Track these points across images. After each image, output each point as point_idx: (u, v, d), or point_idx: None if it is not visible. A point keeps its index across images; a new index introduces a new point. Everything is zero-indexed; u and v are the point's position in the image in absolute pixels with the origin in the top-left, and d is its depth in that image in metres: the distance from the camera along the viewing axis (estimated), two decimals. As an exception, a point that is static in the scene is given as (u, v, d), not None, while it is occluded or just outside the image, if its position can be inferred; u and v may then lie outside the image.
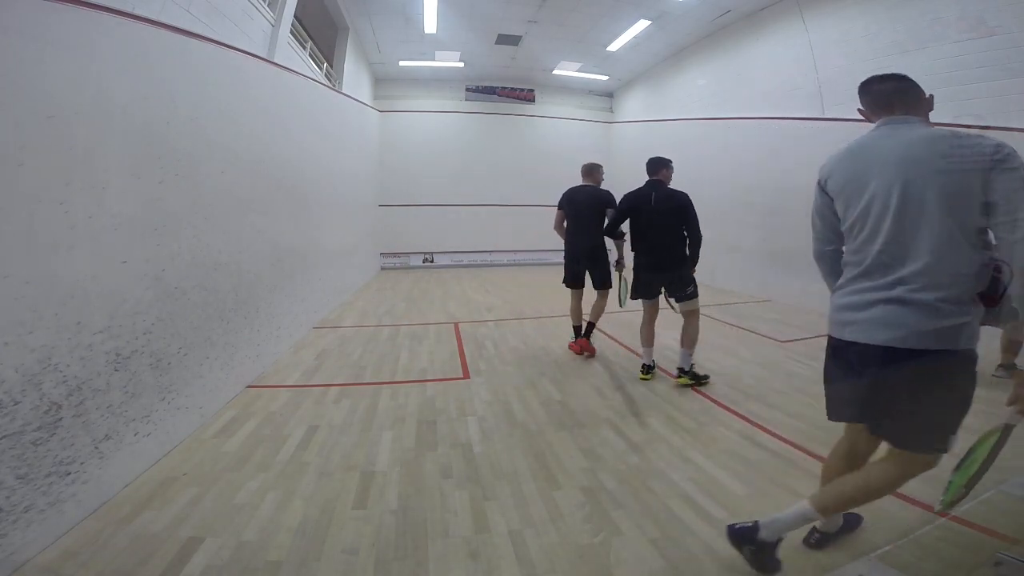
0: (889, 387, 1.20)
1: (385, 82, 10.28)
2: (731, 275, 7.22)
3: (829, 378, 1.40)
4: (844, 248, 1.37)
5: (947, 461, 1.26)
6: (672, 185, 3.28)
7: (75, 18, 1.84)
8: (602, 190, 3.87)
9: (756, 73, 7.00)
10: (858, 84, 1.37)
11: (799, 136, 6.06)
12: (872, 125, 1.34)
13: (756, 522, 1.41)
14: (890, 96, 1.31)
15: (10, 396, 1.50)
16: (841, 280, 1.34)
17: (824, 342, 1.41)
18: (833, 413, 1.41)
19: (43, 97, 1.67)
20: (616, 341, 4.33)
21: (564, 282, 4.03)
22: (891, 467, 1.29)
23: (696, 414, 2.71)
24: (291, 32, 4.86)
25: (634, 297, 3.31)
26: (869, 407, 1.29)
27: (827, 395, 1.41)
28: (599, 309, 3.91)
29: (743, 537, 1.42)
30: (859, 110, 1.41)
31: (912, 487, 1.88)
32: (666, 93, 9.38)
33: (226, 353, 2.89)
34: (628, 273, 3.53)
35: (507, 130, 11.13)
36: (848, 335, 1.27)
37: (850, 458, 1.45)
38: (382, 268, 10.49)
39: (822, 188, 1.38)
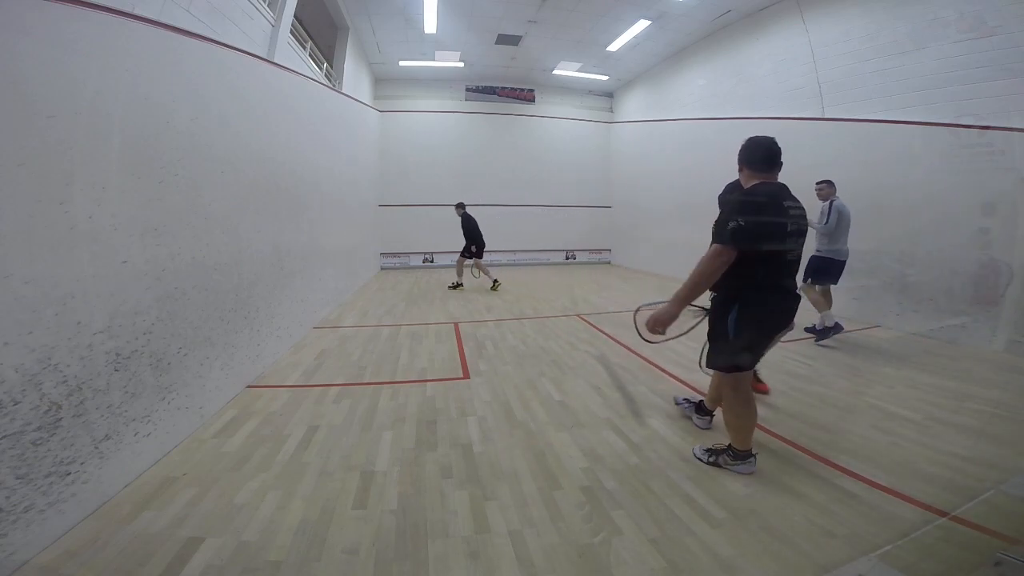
0: None
1: (385, 82, 10.29)
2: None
3: None
4: None
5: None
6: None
7: (76, 18, 1.84)
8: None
9: (756, 73, 7.00)
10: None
11: (799, 136, 6.06)
12: None
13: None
14: None
15: (10, 396, 1.50)
16: None
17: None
18: None
19: (43, 97, 1.67)
20: (616, 341, 4.34)
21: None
22: None
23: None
24: (291, 32, 4.87)
25: None
26: None
27: None
28: None
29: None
30: None
31: (913, 488, 1.90)
32: (666, 93, 9.38)
33: (226, 353, 2.89)
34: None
35: (507, 130, 11.14)
36: None
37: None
38: (382, 268, 10.49)
39: None
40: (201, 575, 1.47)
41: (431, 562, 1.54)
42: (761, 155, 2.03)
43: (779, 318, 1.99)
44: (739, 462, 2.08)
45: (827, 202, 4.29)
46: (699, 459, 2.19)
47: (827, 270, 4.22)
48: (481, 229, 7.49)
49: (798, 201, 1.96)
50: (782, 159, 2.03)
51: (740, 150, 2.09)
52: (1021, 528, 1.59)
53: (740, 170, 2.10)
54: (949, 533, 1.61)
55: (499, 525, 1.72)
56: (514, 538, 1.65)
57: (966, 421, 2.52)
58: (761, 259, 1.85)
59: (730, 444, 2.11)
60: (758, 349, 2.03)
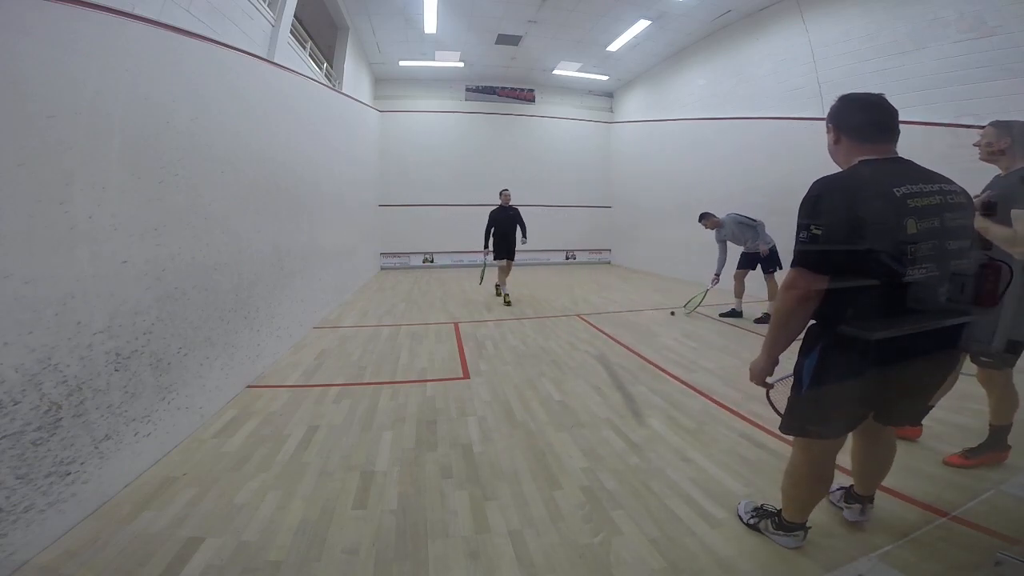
0: None
1: (385, 82, 10.29)
2: (732, 275, 7.21)
3: None
4: None
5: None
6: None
7: (76, 18, 1.84)
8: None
9: (756, 73, 7.00)
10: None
11: (799, 136, 6.06)
12: None
13: None
14: None
15: (10, 396, 1.50)
16: None
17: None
18: None
19: (43, 97, 1.67)
20: (616, 341, 4.34)
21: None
22: None
23: (696, 414, 2.72)
24: (291, 32, 4.87)
25: None
26: None
27: None
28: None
29: None
30: None
31: (913, 488, 1.90)
32: (666, 93, 9.37)
33: (226, 353, 2.89)
34: None
35: (507, 130, 11.14)
36: None
37: None
38: (382, 268, 10.49)
39: None
40: (201, 575, 1.47)
41: (431, 562, 1.54)
42: (866, 117, 1.30)
43: (884, 373, 1.27)
44: (783, 533, 1.60)
45: (756, 223, 5.16)
46: (739, 517, 1.75)
47: (752, 262, 5.30)
48: (488, 228, 6.57)
49: (936, 183, 1.23)
50: (896, 126, 1.30)
51: (832, 112, 1.36)
52: (1021, 528, 1.58)
53: (835, 141, 1.36)
54: (949, 533, 1.61)
55: (499, 525, 1.72)
56: (514, 538, 1.65)
57: (966, 421, 2.51)
58: (858, 282, 1.22)
59: (780, 510, 1.62)
60: (846, 415, 1.40)
